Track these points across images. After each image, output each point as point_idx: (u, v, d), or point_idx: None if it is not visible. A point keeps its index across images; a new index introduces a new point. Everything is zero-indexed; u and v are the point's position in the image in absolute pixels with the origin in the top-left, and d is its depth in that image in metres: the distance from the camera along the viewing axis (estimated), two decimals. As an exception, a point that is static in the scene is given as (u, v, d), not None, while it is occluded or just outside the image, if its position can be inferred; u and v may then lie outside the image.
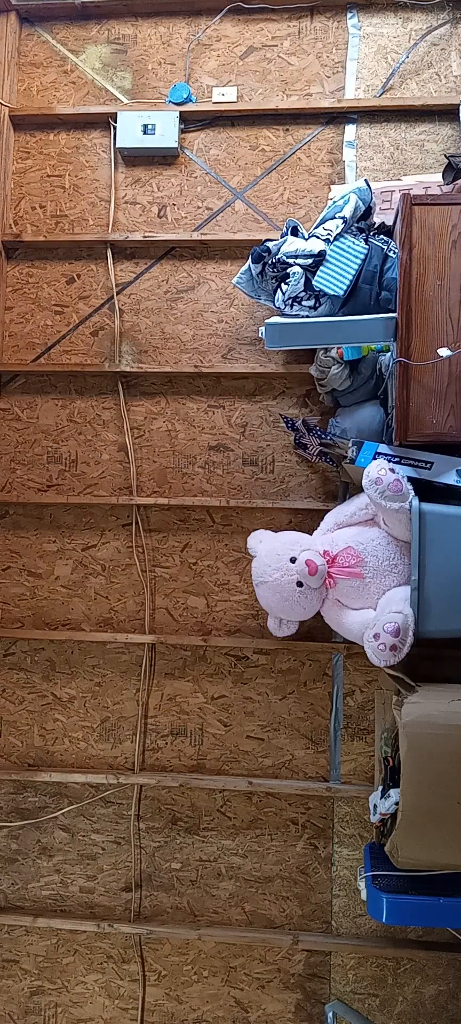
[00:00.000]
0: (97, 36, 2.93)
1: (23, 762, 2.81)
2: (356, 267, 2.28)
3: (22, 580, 2.85)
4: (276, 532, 2.45)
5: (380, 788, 2.35)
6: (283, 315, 2.40)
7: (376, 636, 2.13)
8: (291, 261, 2.35)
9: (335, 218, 2.36)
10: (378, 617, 2.17)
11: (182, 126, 2.84)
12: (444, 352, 2.09)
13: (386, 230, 2.44)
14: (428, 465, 2.20)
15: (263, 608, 2.44)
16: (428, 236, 2.15)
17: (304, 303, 2.35)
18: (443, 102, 2.70)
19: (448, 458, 2.19)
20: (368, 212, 2.41)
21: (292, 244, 2.37)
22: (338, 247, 2.32)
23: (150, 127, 2.81)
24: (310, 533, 2.41)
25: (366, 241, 2.35)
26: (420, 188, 2.57)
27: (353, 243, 2.32)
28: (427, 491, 2.18)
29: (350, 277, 2.28)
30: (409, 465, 2.20)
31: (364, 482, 2.15)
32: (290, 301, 2.35)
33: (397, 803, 2.16)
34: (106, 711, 2.79)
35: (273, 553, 2.33)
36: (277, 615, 2.42)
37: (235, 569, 2.76)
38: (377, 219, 2.49)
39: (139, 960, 2.72)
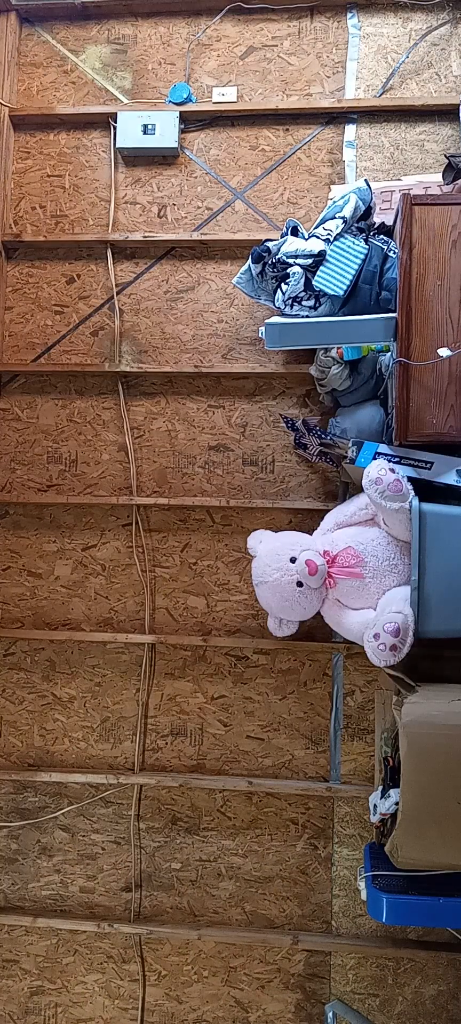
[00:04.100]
0: (97, 36, 2.93)
1: (23, 762, 2.81)
2: (356, 267, 2.28)
3: (22, 580, 2.85)
4: (276, 532, 2.45)
5: (380, 788, 2.35)
6: (283, 315, 2.40)
7: (376, 636, 2.13)
8: (291, 261, 2.35)
9: (335, 218, 2.36)
10: (378, 617, 2.17)
11: (182, 126, 2.84)
12: (444, 352, 2.09)
13: (386, 230, 2.44)
14: (428, 465, 2.20)
15: (263, 608, 2.44)
16: (428, 236, 2.15)
17: (304, 303, 2.35)
18: (443, 102, 2.70)
19: (448, 458, 2.19)
20: (368, 212, 2.41)
21: (292, 244, 2.37)
22: (338, 247, 2.32)
23: (150, 127, 2.81)
24: (310, 533, 2.41)
25: (366, 241, 2.35)
26: (420, 188, 2.57)
27: (353, 243, 2.32)
28: (427, 491, 2.18)
29: (350, 277, 2.28)
30: (409, 465, 2.20)
31: (364, 482, 2.15)
32: (290, 301, 2.35)
33: (397, 803, 2.16)
34: (106, 711, 2.79)
35: (273, 553, 2.33)
36: (277, 615, 2.42)
37: (235, 569, 2.76)
38: (377, 219, 2.49)
39: (139, 960, 2.72)
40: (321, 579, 2.26)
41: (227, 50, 2.86)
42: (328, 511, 2.45)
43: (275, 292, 2.41)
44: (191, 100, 2.83)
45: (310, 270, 2.33)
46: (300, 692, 2.71)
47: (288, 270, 2.35)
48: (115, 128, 2.84)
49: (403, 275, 2.15)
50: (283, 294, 2.36)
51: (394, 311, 2.18)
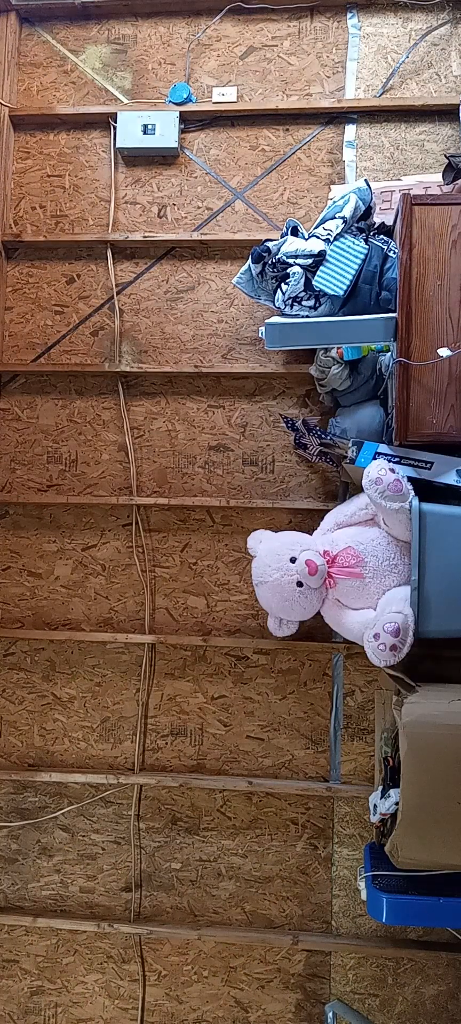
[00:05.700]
0: (97, 36, 2.93)
1: (23, 762, 2.81)
2: (356, 267, 2.28)
3: (22, 580, 2.85)
4: (276, 532, 2.45)
5: (380, 788, 2.35)
6: (283, 315, 2.40)
7: (376, 636, 2.13)
8: (291, 261, 2.35)
9: (335, 218, 2.36)
10: (378, 617, 2.17)
11: (182, 126, 2.84)
12: (444, 352, 2.09)
13: (386, 230, 2.44)
14: (428, 465, 2.20)
15: (263, 608, 2.44)
16: (428, 236, 2.15)
17: (304, 303, 2.35)
18: (443, 102, 2.70)
19: (448, 458, 2.19)
20: (368, 212, 2.41)
21: (292, 244, 2.37)
22: (338, 247, 2.32)
23: (150, 127, 2.81)
24: (310, 533, 2.41)
25: (366, 241, 2.35)
26: (420, 188, 2.57)
27: (353, 243, 2.32)
28: (427, 491, 2.18)
29: (350, 277, 2.28)
30: (409, 465, 2.20)
31: (364, 482, 2.15)
32: (290, 301, 2.35)
33: (397, 803, 2.16)
34: (106, 711, 2.79)
35: (273, 553, 2.33)
36: (277, 615, 2.42)
37: (235, 569, 2.76)
38: (377, 219, 2.49)
39: (139, 960, 2.72)
40: (321, 579, 2.26)
41: (227, 50, 2.86)
42: (328, 511, 2.45)
43: (275, 292, 2.41)
44: (191, 100, 2.83)
45: (310, 270, 2.33)
46: (300, 692, 2.71)
47: (288, 270, 2.35)
48: (115, 128, 2.84)
49: (403, 275, 2.15)
50: (283, 294, 2.36)
51: (394, 311, 2.18)
